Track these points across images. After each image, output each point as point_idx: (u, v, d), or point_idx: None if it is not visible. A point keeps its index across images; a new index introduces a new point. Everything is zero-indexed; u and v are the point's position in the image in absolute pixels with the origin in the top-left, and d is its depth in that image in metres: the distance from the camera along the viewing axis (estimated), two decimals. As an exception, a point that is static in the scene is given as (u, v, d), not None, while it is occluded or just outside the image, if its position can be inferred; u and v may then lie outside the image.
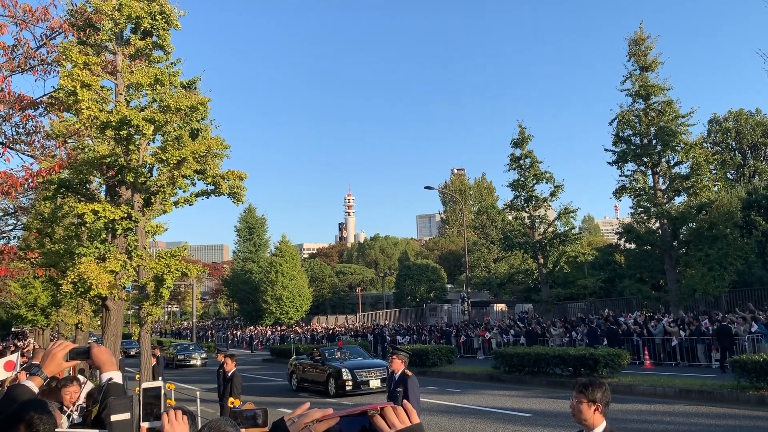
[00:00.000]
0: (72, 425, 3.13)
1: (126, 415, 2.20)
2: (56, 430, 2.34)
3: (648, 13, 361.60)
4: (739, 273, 32.06)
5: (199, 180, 16.55)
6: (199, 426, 2.33)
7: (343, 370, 19.86)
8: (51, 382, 4.38)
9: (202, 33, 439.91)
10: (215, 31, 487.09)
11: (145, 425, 2.25)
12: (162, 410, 2.25)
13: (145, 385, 2.31)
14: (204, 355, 39.46)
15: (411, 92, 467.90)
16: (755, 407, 13.56)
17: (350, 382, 19.52)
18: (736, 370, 14.89)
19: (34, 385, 2.58)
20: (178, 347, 40.79)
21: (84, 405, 4.33)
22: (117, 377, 2.44)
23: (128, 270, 15.18)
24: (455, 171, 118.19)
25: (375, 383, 19.64)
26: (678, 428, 11.91)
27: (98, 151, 15.31)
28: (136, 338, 15.86)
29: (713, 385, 15.60)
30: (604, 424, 3.56)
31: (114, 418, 2.18)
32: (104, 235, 16.68)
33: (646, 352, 23.67)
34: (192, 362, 38.24)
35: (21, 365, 8.00)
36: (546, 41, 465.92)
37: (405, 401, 1.53)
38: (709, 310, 27.51)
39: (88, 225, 15.57)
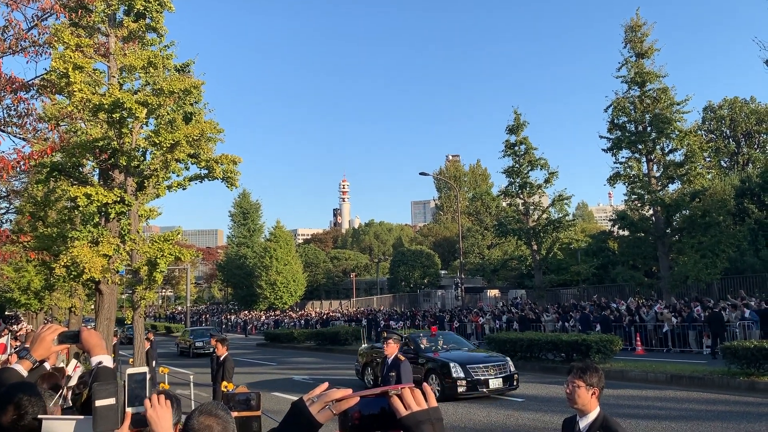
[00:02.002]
0: (64, 410, 3.12)
1: (111, 401, 2.19)
2: (40, 416, 2.33)
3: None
4: (731, 260, 32.23)
5: (192, 164, 16.48)
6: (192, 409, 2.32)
7: (451, 364, 14.78)
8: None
9: (197, 16, 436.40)
10: (210, 14, 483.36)
11: (130, 410, 2.24)
12: (147, 395, 2.24)
13: (130, 370, 2.30)
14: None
15: (407, 78, 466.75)
16: (745, 393, 13.69)
17: (463, 382, 14.48)
18: (727, 357, 15.01)
19: (23, 369, 2.59)
20: (195, 333, 34.90)
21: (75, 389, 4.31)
22: (107, 361, 2.43)
23: (121, 254, 15.14)
24: (450, 157, 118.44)
25: (496, 383, 14.75)
26: (669, 413, 12.00)
27: (91, 134, 15.21)
28: (129, 321, 15.86)
29: (704, 371, 15.71)
30: (598, 409, 3.58)
31: (99, 403, 2.18)
32: (97, 219, 16.63)
33: (638, 339, 23.81)
34: (213, 350, 32.13)
35: (13, 348, 7.98)
36: (543, 28, 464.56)
37: (425, 384, 1.53)
38: (701, 297, 27.68)
39: (81, 208, 15.49)
